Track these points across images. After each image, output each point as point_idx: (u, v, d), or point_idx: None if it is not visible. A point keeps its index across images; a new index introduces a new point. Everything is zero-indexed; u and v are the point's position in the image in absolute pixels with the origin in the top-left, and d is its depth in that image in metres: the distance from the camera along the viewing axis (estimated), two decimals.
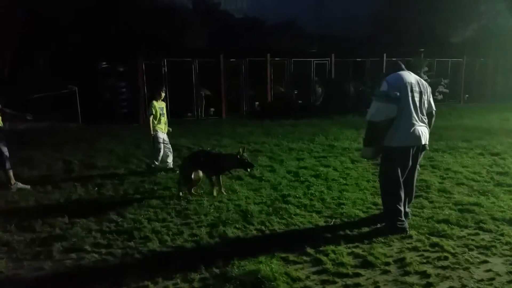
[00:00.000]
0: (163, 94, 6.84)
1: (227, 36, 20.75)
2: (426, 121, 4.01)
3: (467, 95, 18.69)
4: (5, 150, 5.64)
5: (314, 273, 3.23)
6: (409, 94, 3.84)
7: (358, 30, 24.75)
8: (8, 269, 3.39)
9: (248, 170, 5.40)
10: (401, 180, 3.94)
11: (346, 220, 4.36)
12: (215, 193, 5.20)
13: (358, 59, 17.01)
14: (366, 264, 3.32)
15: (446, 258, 3.36)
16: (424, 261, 3.35)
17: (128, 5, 16.58)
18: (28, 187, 5.73)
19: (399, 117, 3.82)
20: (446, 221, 4.14)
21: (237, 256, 3.48)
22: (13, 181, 5.70)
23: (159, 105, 6.70)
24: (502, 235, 3.81)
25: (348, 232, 4.00)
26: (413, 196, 4.32)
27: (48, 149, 8.43)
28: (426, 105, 4.02)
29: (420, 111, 3.93)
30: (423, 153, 4.13)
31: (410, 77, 3.95)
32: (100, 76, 13.74)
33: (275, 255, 3.51)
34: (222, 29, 21.37)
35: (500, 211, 4.41)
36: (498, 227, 3.99)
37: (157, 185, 5.87)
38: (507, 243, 3.63)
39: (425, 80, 16.49)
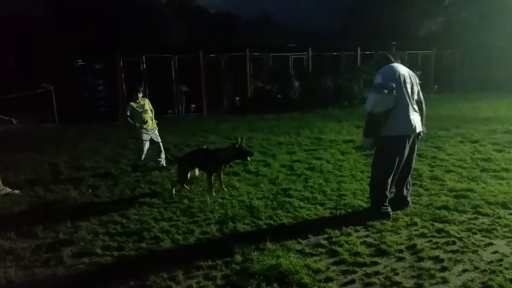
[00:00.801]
0: (140, 95, 6.62)
1: (204, 31, 20.51)
2: (417, 110, 4.19)
3: (436, 86, 19.48)
4: None
5: (333, 264, 3.32)
6: (403, 85, 4.01)
7: (332, 25, 25.15)
8: (19, 277, 3.26)
9: (248, 159, 5.28)
10: (395, 169, 4.12)
11: (350, 211, 4.48)
12: (213, 193, 5.17)
13: (334, 53, 17.32)
14: (381, 253, 3.44)
15: (454, 243, 3.54)
16: (434, 246, 3.51)
17: (103, 1, 16.02)
18: (17, 191, 5.50)
19: (395, 108, 3.97)
20: (445, 207, 4.35)
21: (253, 251, 3.51)
22: (1, 186, 5.44)
23: (137, 104, 6.55)
24: (499, 218, 4.04)
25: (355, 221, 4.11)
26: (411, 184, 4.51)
27: (30, 152, 8.08)
28: (416, 95, 4.20)
29: (412, 100, 4.12)
30: (418, 141, 4.32)
31: (401, 68, 4.12)
32: (76, 74, 13.23)
33: (291, 249, 3.57)
34: (198, 24, 21.09)
35: (492, 196, 4.66)
36: (494, 210, 4.23)
37: (154, 184, 5.79)
38: (506, 226, 3.86)
39: None
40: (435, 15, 24.83)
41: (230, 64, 15.41)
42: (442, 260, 3.24)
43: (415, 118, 4.09)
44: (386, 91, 3.91)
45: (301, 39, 18.92)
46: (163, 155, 6.74)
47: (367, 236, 3.80)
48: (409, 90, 4.06)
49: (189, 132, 10.46)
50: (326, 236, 3.83)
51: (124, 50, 13.35)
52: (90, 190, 5.56)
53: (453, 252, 3.39)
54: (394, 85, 3.93)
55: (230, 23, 24.07)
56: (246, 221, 4.26)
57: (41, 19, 14.24)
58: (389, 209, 4.18)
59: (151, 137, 6.59)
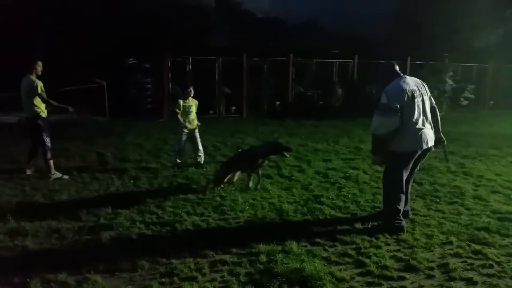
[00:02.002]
0: (190, 93, 6.90)
1: (249, 35, 20.87)
2: (431, 120, 4.13)
3: (492, 102, 18.33)
4: (48, 141, 5.86)
5: (358, 274, 3.27)
6: (411, 101, 3.94)
7: (381, 32, 24.51)
8: (62, 253, 3.54)
9: (287, 155, 5.29)
10: (404, 182, 4.12)
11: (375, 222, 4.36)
12: (251, 185, 5.24)
13: (382, 61, 16.86)
14: (410, 268, 3.34)
15: (491, 266, 3.36)
16: (468, 267, 3.35)
17: (154, 3, 16.88)
18: (67, 177, 5.93)
19: (404, 125, 3.93)
20: (486, 229, 4.11)
21: (278, 253, 3.55)
22: (53, 171, 5.92)
23: (185, 103, 6.79)
24: None
25: (387, 236, 4.02)
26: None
27: (80, 141, 8.67)
28: (428, 105, 4.11)
29: (424, 113, 4.06)
30: (428, 154, 4.27)
31: (409, 83, 4.03)
32: (127, 72, 13.97)
33: (317, 255, 3.57)
34: (244, 28, 21.50)
35: None
36: None
37: (189, 180, 5.99)
38: None
39: (449, 85, 15.98)
40: (493, 26, 23.43)
41: (273, 68, 15.53)
42: (475, 283, 3.09)
43: (427, 132, 4.04)
44: (390, 112, 3.87)
45: (347, 46, 18.69)
46: (200, 153, 6.94)
47: (398, 250, 3.71)
48: (420, 104, 4.00)
49: (228, 132, 10.67)
50: (354, 246, 3.78)
51: (172, 51, 13.89)
52: (132, 181, 5.88)
53: (489, 275, 3.21)
54: (398, 106, 3.87)
55: (276, 27, 24.27)
56: (274, 224, 4.30)
57: (97, 19, 15.25)
58: (403, 222, 4.13)
59: (188, 136, 6.81)
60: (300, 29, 25.67)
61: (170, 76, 13.83)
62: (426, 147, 4.05)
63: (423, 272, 3.29)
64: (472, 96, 17.68)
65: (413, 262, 3.42)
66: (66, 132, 9.50)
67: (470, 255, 3.58)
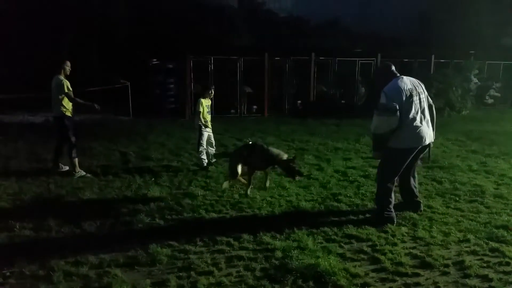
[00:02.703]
0: (212, 93, 6.99)
1: (272, 35, 20.92)
2: (429, 118, 4.24)
3: None
4: (73, 140, 6.12)
5: (372, 270, 3.31)
6: (410, 100, 4.05)
7: (405, 30, 24.02)
8: (84, 248, 3.71)
9: (296, 178, 5.22)
10: (397, 176, 4.31)
11: (401, 221, 4.35)
12: (249, 192, 5.21)
13: (405, 60, 16.57)
14: (425, 265, 3.35)
15: (507, 264, 3.34)
16: (485, 265, 3.34)
17: (177, 4, 17.22)
18: (90, 175, 6.15)
19: (403, 123, 4.05)
20: (505, 227, 4.07)
21: (294, 249, 3.62)
22: (77, 169, 6.16)
23: (206, 103, 6.91)
24: None
25: (403, 233, 4.02)
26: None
27: (104, 140, 8.97)
28: (425, 103, 4.21)
29: (422, 111, 4.17)
30: (427, 149, 4.39)
31: (406, 82, 4.16)
32: (151, 73, 14.31)
33: (332, 251, 3.62)
34: (266, 27, 21.57)
35: None
36: None
37: (209, 178, 6.12)
38: None
39: (474, 83, 15.47)
40: None
41: (295, 68, 15.54)
42: (491, 280, 3.08)
43: (425, 130, 4.15)
44: (389, 112, 4.00)
45: (370, 44, 18.44)
46: (213, 151, 7.00)
47: (413, 248, 3.71)
48: (417, 102, 4.12)
49: (248, 131, 10.77)
50: (370, 243, 3.81)
51: (194, 51, 14.13)
52: (153, 179, 6.06)
53: (505, 273, 3.19)
54: (397, 106, 3.98)
55: (298, 26, 24.19)
56: (291, 221, 4.37)
57: (122, 20, 15.68)
58: (393, 214, 4.28)
59: (208, 134, 6.95)
60: (322, 28, 25.47)
61: (192, 76, 14.08)
62: (423, 144, 4.17)
63: (438, 269, 3.29)
64: (498, 95, 17.12)
65: (428, 259, 3.43)
66: (91, 131, 9.85)
67: (487, 252, 3.56)
